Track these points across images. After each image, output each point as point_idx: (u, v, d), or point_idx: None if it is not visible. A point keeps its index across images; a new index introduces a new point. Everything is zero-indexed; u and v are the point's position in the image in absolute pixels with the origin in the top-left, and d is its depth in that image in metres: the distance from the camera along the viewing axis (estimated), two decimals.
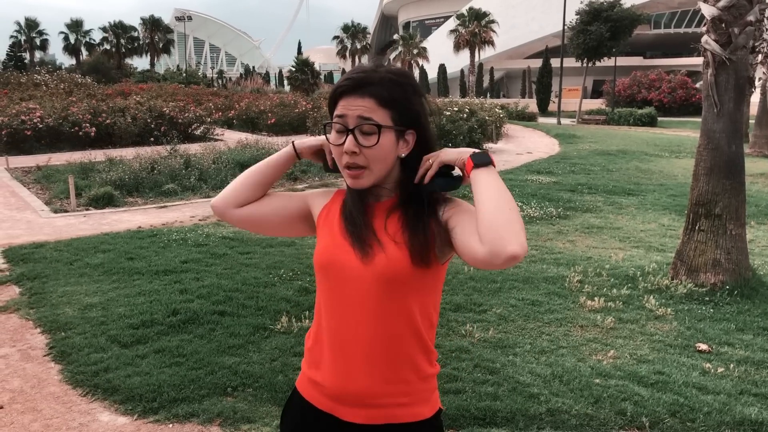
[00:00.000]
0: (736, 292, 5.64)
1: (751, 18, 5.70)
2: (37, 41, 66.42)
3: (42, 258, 6.79)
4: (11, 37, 64.83)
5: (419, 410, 1.51)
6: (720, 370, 4.18)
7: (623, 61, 46.80)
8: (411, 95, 1.47)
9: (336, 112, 1.45)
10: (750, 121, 20.36)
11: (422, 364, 1.51)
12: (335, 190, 1.66)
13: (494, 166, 1.40)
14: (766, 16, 13.27)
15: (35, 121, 16.31)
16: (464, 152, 1.43)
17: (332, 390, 1.49)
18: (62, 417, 3.61)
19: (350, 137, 1.42)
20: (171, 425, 3.50)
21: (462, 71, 57.98)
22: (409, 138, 1.48)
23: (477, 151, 1.42)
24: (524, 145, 20.97)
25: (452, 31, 53.86)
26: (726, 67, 5.74)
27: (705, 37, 5.88)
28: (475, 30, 51.41)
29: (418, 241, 1.43)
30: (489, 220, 1.30)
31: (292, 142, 1.62)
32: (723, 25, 5.74)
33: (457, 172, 1.45)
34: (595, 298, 5.50)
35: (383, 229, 1.47)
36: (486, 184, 1.36)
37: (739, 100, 5.83)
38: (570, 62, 39.22)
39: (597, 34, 34.15)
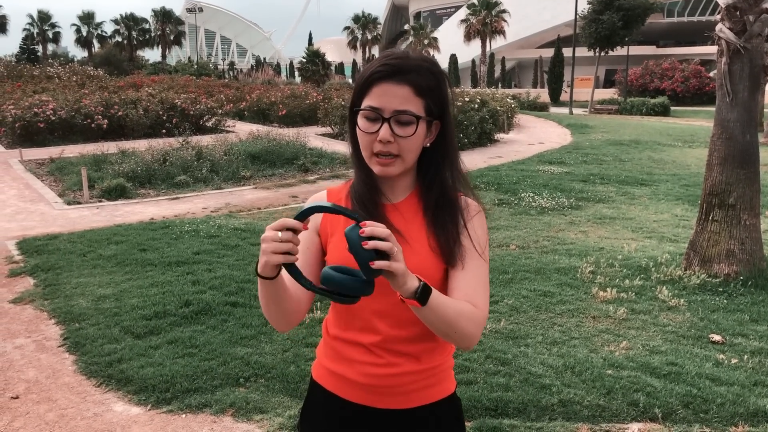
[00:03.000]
0: (750, 282, 5.60)
1: (767, 5, 5.62)
2: (50, 34, 66.72)
3: (56, 249, 6.84)
4: (24, 29, 65.20)
5: (445, 387, 1.55)
6: (734, 361, 4.16)
7: (636, 50, 46.43)
8: (443, 85, 1.44)
9: (369, 102, 1.39)
10: (765, 110, 20.13)
11: (446, 347, 1.54)
12: (324, 193, 1.57)
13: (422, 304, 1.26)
14: None
15: (48, 113, 16.39)
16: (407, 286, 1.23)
17: (363, 385, 1.48)
18: (77, 407, 3.64)
19: (386, 126, 1.37)
20: (184, 415, 3.53)
21: (473, 61, 57.73)
22: (433, 129, 1.46)
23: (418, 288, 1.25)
24: (536, 135, 20.87)
25: (463, 21, 53.62)
26: (740, 55, 5.68)
27: (719, 25, 5.81)
28: (485, 19, 51.16)
29: (450, 241, 1.43)
30: (446, 337, 1.38)
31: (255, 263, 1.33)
32: (738, 13, 5.67)
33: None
34: (608, 289, 5.47)
35: (407, 230, 1.44)
36: (423, 319, 1.32)
37: (754, 89, 5.77)
38: (582, 52, 38.97)
39: (609, 23, 33.89)
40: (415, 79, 1.38)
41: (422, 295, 1.24)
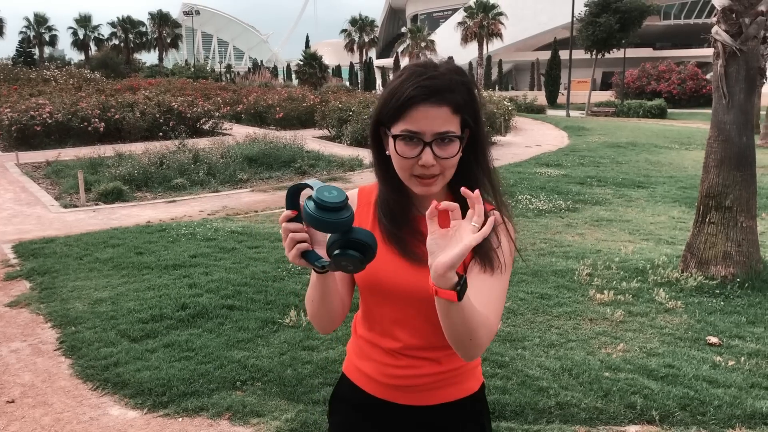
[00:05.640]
0: (747, 284, 5.60)
1: (762, 8, 5.63)
2: (46, 37, 66.70)
3: (52, 253, 6.82)
4: (20, 32, 65.17)
5: (468, 386, 1.56)
6: (731, 363, 4.16)
7: (633, 52, 46.51)
8: (474, 95, 1.40)
9: (406, 126, 1.33)
10: (761, 112, 20.18)
11: None
12: (356, 194, 1.56)
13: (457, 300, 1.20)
14: None
15: (45, 116, 16.36)
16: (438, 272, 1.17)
17: (384, 383, 1.52)
18: (73, 411, 3.63)
19: (428, 150, 1.33)
20: (180, 419, 3.52)
21: (470, 64, 57.71)
22: (465, 136, 1.41)
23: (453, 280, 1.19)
24: (533, 137, 20.89)
25: (460, 24, 53.65)
26: (736, 57, 5.69)
27: (715, 28, 5.83)
28: (483, 22, 51.21)
29: (485, 247, 1.39)
30: (454, 346, 1.34)
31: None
32: (734, 16, 5.69)
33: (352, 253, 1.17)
34: (605, 291, 5.47)
35: None
36: (447, 317, 1.26)
37: (750, 91, 5.78)
38: (579, 54, 39.02)
39: (606, 26, 33.96)
40: (453, 97, 1.34)
41: (462, 289, 1.19)
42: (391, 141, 1.37)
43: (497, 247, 1.41)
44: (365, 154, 11.10)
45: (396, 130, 1.35)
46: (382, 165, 1.46)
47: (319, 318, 1.47)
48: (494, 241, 1.41)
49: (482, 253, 1.40)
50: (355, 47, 67.67)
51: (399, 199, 1.44)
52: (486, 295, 1.37)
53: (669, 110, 33.98)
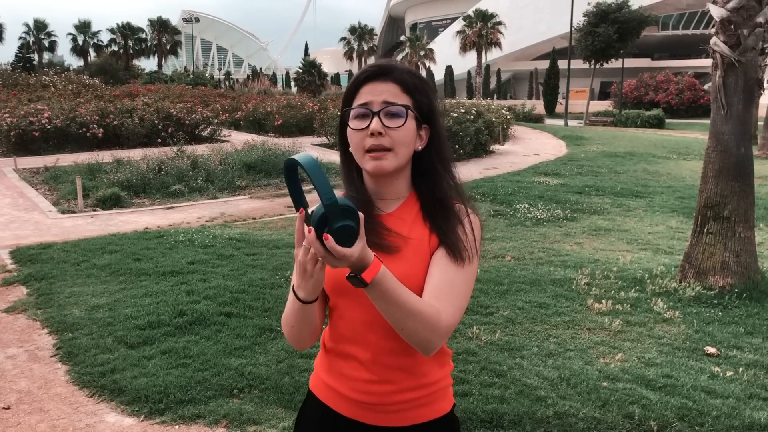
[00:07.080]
0: (744, 295, 5.60)
1: (760, 19, 5.66)
2: (46, 42, 66.70)
3: (49, 259, 6.81)
4: (20, 38, 65.19)
5: (440, 406, 1.52)
6: (729, 373, 4.15)
7: (631, 62, 46.68)
8: (428, 89, 1.49)
9: (359, 100, 1.43)
10: (759, 123, 20.25)
11: (442, 365, 1.53)
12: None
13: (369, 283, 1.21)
14: None
15: (43, 122, 16.36)
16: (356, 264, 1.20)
17: (355, 401, 1.48)
18: (69, 418, 3.61)
19: (376, 118, 1.40)
20: (177, 426, 3.50)
21: (469, 73, 57.96)
22: (423, 133, 1.48)
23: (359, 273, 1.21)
24: (531, 146, 20.93)
25: (459, 33, 53.86)
26: (735, 68, 5.71)
27: (714, 39, 5.85)
28: (481, 31, 51.41)
29: (449, 236, 1.43)
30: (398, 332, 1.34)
31: (292, 287, 1.38)
32: (732, 27, 5.71)
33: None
34: (603, 301, 5.47)
35: (409, 232, 1.45)
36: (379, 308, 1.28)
37: (748, 102, 5.80)
38: (577, 64, 39.14)
39: (605, 36, 34.09)
40: (402, 77, 1.44)
41: (354, 279, 1.21)
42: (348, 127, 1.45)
43: (464, 239, 1.44)
44: None
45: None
46: (347, 165, 1.53)
47: (298, 340, 1.47)
48: (461, 233, 1.44)
49: (449, 244, 1.42)
50: (354, 55, 67.90)
51: (362, 199, 1.47)
52: (445, 285, 1.38)
53: (667, 120, 34.11)
